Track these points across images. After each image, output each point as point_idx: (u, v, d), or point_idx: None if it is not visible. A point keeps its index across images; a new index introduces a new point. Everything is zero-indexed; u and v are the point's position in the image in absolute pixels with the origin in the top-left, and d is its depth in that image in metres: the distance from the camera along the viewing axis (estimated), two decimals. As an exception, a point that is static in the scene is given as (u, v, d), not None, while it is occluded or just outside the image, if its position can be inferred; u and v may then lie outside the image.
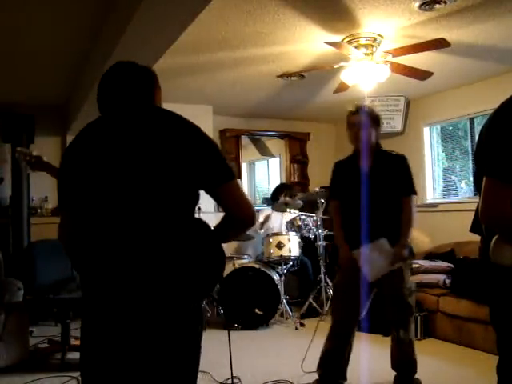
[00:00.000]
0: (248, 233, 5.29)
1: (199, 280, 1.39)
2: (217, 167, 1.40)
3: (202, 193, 1.46)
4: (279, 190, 5.67)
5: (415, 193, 2.87)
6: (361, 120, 2.84)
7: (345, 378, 2.92)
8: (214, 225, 1.50)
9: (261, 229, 5.48)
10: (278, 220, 5.58)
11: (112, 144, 1.40)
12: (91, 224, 1.43)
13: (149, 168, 1.36)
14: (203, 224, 1.46)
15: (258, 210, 5.87)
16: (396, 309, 2.87)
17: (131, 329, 1.36)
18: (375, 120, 2.89)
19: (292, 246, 4.92)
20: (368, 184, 2.80)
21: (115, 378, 1.38)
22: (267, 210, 5.66)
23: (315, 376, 2.99)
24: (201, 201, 1.48)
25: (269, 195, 6.09)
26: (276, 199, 5.57)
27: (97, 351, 1.39)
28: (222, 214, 1.52)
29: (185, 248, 1.37)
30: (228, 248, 5.77)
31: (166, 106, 1.57)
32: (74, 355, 3.56)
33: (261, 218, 5.49)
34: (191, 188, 1.41)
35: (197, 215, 1.49)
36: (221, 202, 1.43)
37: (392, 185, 2.84)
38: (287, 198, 5.38)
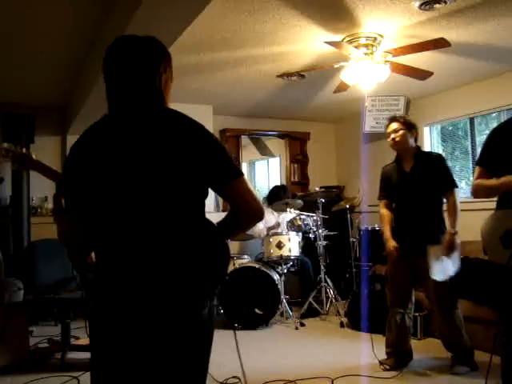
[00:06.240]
0: (251, 234, 5.29)
1: (204, 278, 1.39)
2: (223, 166, 1.39)
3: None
4: (275, 194, 5.65)
5: (457, 186, 3.24)
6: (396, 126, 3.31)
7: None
8: (219, 220, 1.49)
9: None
10: (273, 220, 5.57)
11: (118, 146, 1.39)
12: (99, 226, 1.43)
13: (155, 169, 1.36)
14: (209, 223, 1.46)
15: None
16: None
17: (139, 329, 1.36)
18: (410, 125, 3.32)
19: (292, 246, 4.92)
20: (411, 184, 3.28)
21: (125, 378, 1.38)
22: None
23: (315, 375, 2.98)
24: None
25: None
26: (273, 203, 5.56)
27: (106, 351, 1.39)
28: (222, 214, 1.51)
29: (191, 246, 1.37)
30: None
31: (166, 105, 1.56)
32: (74, 355, 3.57)
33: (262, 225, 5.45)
34: (198, 187, 1.40)
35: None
36: (229, 199, 1.43)
37: (433, 182, 3.23)
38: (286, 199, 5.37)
